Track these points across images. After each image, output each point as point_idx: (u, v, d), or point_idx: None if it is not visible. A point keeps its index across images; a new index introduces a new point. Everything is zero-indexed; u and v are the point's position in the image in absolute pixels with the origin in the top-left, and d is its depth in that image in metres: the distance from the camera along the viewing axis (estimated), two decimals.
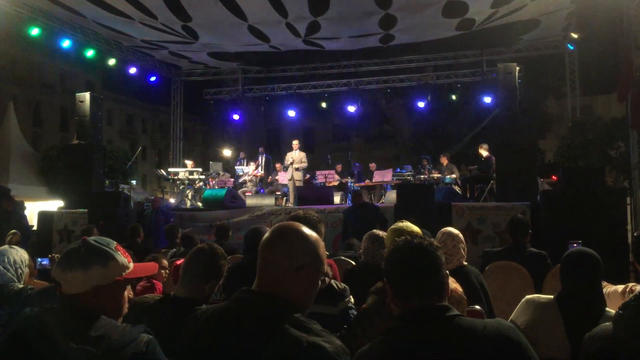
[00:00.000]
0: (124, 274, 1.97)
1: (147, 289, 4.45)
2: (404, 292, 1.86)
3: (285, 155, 14.49)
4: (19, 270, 3.21)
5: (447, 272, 1.92)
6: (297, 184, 13.73)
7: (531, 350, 1.72)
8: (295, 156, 13.99)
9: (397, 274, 1.90)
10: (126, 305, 2.02)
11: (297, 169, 13.85)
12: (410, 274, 1.86)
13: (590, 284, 2.85)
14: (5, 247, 3.31)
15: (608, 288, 3.30)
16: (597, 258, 2.91)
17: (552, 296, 2.92)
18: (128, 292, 2.05)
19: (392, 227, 3.53)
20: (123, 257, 1.99)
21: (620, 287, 3.23)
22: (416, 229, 3.42)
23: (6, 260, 3.18)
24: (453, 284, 3.25)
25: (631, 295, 3.06)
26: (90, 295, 1.89)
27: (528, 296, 3.00)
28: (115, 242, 2.03)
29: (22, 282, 3.20)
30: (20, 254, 3.29)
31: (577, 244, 3.84)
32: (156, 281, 4.68)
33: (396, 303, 1.88)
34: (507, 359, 1.67)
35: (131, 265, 2.02)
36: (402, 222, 3.53)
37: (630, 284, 3.19)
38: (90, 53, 14.98)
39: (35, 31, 13.04)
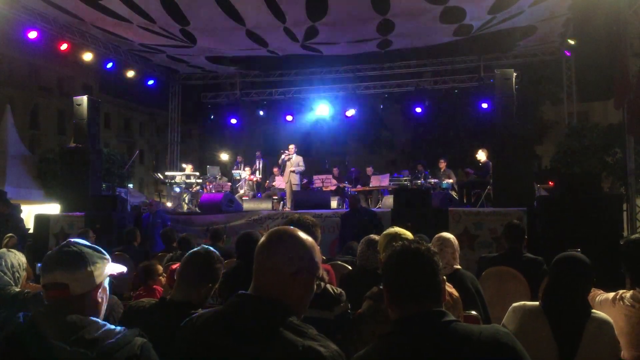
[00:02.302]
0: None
1: (148, 294, 4.43)
2: (401, 297, 1.86)
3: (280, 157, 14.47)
4: (16, 274, 3.20)
5: (444, 277, 1.92)
6: (294, 188, 13.72)
7: (527, 357, 1.72)
8: (292, 160, 13.99)
9: (394, 279, 1.91)
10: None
11: (293, 171, 13.84)
12: (408, 279, 1.86)
13: (577, 289, 2.83)
14: (3, 250, 3.31)
15: (600, 296, 3.31)
16: (587, 263, 2.89)
17: (537, 302, 2.91)
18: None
19: (385, 232, 3.54)
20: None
21: (611, 295, 3.23)
22: (409, 234, 3.43)
23: (3, 263, 3.18)
24: (449, 288, 3.25)
25: (622, 302, 3.08)
26: (95, 293, 1.91)
27: (514, 304, 2.98)
28: None
29: (19, 286, 3.20)
30: (17, 258, 3.28)
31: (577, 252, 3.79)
32: (157, 286, 4.67)
33: (393, 308, 1.88)
34: None
35: None
36: (393, 228, 3.54)
37: (621, 291, 3.19)
38: (88, 56, 14.97)
39: (33, 34, 13.03)
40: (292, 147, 14.30)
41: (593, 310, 2.81)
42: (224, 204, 11.87)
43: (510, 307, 2.98)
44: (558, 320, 2.77)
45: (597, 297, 3.29)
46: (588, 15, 13.18)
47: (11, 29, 14.32)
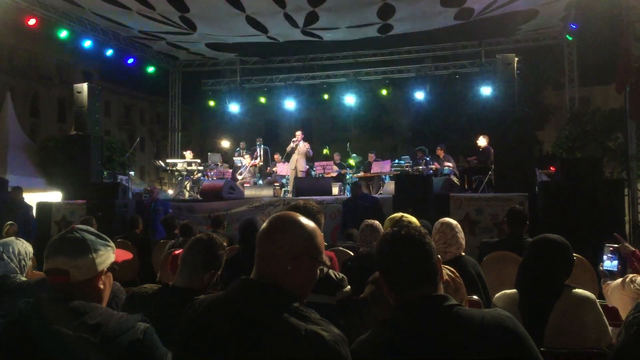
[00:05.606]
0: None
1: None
2: (398, 285, 1.85)
3: (287, 145, 14.44)
4: (22, 262, 3.22)
5: (439, 256, 1.91)
6: (300, 174, 13.72)
7: (530, 340, 1.71)
8: (300, 146, 13.96)
9: (388, 267, 1.89)
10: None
11: (301, 153, 13.83)
12: (401, 266, 1.84)
13: (547, 270, 2.81)
14: (12, 238, 3.33)
15: (612, 283, 3.29)
16: (561, 245, 2.86)
17: (515, 290, 2.91)
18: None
19: (390, 217, 3.54)
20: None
21: (620, 279, 3.21)
22: (414, 219, 3.43)
23: (11, 250, 3.20)
24: (452, 273, 3.26)
25: (632, 285, 3.05)
26: (98, 280, 1.92)
27: (496, 295, 3.00)
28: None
29: (24, 274, 3.22)
30: (25, 246, 3.30)
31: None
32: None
33: (392, 295, 1.88)
34: (506, 349, 1.66)
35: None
36: (398, 213, 3.54)
37: (631, 275, 3.16)
38: (87, 44, 14.91)
39: (32, 22, 12.97)
40: (299, 133, 14.25)
41: (575, 290, 2.77)
42: (226, 191, 11.87)
43: (494, 298, 2.99)
44: (528, 302, 2.78)
45: (605, 286, 3.28)
46: None
47: (10, 17, 14.27)
